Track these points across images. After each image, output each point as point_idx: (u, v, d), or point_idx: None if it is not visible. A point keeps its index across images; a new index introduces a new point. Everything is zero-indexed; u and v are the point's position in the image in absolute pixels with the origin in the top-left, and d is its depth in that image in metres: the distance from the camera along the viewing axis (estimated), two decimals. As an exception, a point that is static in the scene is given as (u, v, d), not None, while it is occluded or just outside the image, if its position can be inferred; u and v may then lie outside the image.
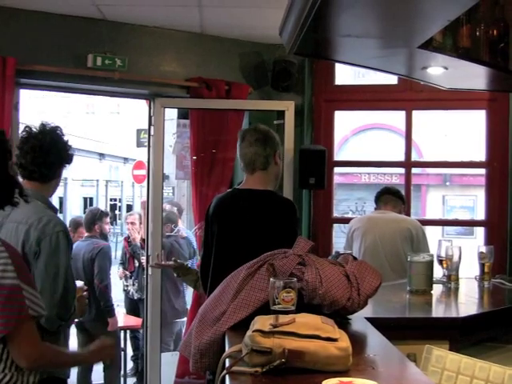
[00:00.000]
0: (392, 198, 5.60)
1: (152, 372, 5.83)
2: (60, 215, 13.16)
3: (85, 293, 3.49)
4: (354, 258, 2.77)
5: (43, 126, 3.35)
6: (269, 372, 1.88)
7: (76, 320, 6.66)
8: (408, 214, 5.98)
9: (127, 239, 8.20)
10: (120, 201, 30.99)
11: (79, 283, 3.45)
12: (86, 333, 6.84)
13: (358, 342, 2.33)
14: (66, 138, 3.40)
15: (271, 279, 2.35)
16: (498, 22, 3.78)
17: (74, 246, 7.13)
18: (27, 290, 2.52)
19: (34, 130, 3.34)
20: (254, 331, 1.96)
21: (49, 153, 3.29)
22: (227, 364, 2.01)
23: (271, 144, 3.88)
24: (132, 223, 8.05)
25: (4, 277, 2.45)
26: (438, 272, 4.19)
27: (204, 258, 3.92)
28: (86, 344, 6.81)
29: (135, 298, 7.92)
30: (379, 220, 5.50)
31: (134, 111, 19.33)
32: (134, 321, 7.70)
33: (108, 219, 7.64)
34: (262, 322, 2.00)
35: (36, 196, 3.23)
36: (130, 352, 8.11)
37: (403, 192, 5.98)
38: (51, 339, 2.92)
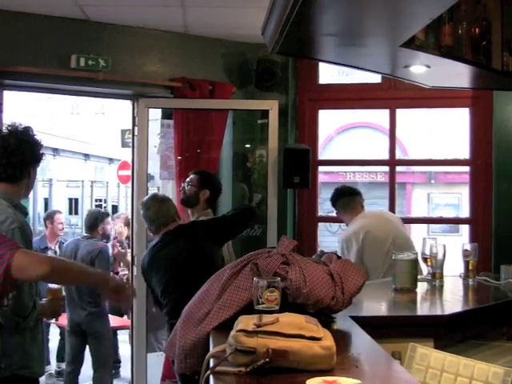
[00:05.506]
0: (347, 198, 5.43)
1: (138, 373, 5.82)
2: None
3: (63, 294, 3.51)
4: (338, 257, 2.78)
5: (10, 126, 3.36)
6: (253, 372, 1.88)
7: (54, 321, 6.68)
8: (393, 212, 6.00)
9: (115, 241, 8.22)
10: (105, 201, 30.91)
11: (54, 286, 3.43)
12: (81, 336, 6.77)
13: (342, 340, 2.34)
14: (35, 138, 3.41)
15: (255, 279, 2.35)
16: (480, 20, 3.81)
17: (70, 243, 7.14)
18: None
19: (4, 131, 3.36)
20: (237, 331, 1.96)
21: (13, 154, 3.29)
22: (211, 364, 2.01)
23: None
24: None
25: None
26: (423, 270, 4.21)
27: None
28: (79, 347, 6.82)
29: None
30: (387, 221, 5.25)
31: (118, 112, 19.24)
32: (120, 321, 7.67)
33: (109, 219, 7.66)
34: (246, 322, 2.00)
35: (4, 196, 3.25)
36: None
37: (387, 190, 6.00)
38: (18, 338, 3.15)
